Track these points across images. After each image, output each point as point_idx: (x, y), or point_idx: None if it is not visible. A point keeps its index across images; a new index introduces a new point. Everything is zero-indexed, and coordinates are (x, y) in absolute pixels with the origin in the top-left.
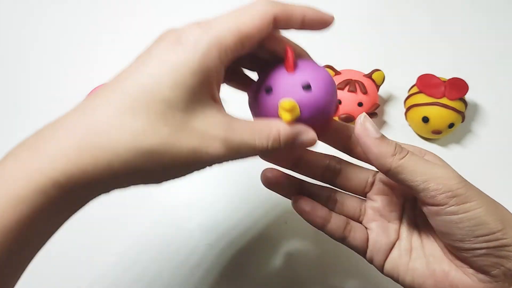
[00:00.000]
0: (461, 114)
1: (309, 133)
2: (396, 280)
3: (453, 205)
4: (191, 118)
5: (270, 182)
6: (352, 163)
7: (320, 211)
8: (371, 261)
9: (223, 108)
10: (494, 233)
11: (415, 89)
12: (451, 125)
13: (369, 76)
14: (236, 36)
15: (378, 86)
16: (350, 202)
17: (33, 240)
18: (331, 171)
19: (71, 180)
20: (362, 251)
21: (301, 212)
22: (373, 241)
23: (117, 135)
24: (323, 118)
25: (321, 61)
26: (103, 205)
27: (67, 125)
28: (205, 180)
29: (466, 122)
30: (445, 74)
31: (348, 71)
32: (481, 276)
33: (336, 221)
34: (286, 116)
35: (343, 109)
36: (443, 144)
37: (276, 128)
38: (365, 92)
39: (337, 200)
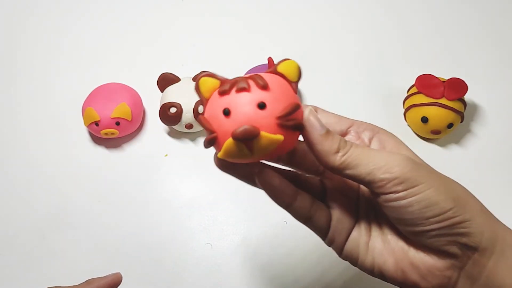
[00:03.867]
0: (460, 114)
1: None
2: (356, 262)
3: (401, 191)
4: None
5: (224, 163)
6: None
7: (288, 187)
8: (331, 243)
9: None
10: (445, 212)
11: (414, 89)
12: (450, 125)
13: (273, 70)
14: None
15: (293, 83)
16: (313, 180)
17: None
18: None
19: None
20: (324, 232)
21: (267, 187)
22: (336, 221)
23: None
24: None
25: (314, 62)
26: (103, 205)
27: None
28: (205, 180)
29: (465, 122)
30: (444, 74)
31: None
32: (440, 254)
33: (302, 199)
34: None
35: (236, 120)
36: (442, 144)
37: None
38: (264, 86)
39: (301, 178)
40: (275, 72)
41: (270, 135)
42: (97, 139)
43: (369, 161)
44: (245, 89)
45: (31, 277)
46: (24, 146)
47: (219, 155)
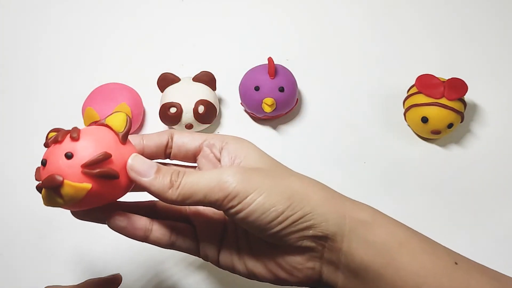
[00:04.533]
0: (460, 114)
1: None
2: (233, 270)
3: (236, 205)
4: None
5: (77, 212)
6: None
7: (138, 222)
8: (206, 258)
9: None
10: (282, 212)
11: (414, 89)
12: (450, 125)
13: (100, 123)
14: None
15: (120, 133)
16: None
17: None
18: None
19: None
20: (194, 251)
21: (118, 230)
22: (203, 239)
23: None
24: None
25: (314, 62)
26: None
27: None
28: None
29: (465, 122)
30: (444, 74)
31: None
32: (297, 250)
33: (159, 229)
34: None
35: (48, 170)
36: (442, 144)
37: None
38: (75, 138)
39: (160, 206)
40: (102, 124)
41: (74, 184)
42: None
43: (202, 186)
44: (58, 142)
45: (31, 277)
46: (24, 146)
47: (43, 203)
